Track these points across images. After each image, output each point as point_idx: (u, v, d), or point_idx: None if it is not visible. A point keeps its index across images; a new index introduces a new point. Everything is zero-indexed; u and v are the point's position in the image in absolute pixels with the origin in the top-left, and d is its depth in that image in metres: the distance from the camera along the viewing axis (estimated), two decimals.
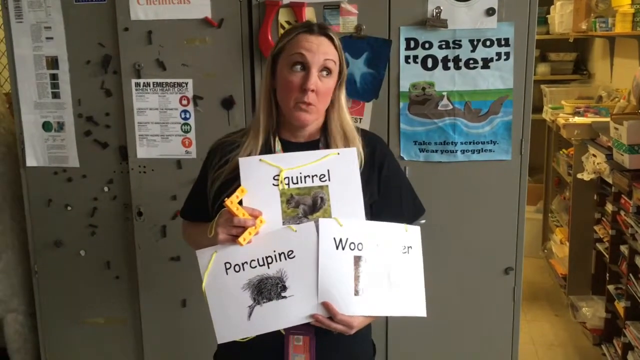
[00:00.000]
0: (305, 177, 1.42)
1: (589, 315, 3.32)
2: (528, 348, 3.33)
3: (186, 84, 2.34)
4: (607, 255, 3.16)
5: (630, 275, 2.79)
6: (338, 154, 1.45)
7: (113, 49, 2.36)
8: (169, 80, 2.35)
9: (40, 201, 2.53)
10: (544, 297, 3.97)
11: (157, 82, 2.36)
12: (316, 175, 1.43)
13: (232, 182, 1.44)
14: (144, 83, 2.36)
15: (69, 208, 2.51)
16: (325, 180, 1.43)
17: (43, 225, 2.55)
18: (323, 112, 1.50)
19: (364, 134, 1.57)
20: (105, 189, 2.48)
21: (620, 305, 2.92)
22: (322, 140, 1.52)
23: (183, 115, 2.37)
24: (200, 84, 2.34)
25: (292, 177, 1.42)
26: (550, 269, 4.25)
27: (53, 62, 2.41)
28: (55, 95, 2.43)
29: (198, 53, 2.32)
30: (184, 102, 2.36)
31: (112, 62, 2.37)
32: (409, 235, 1.47)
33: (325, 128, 1.52)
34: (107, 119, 2.43)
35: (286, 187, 1.42)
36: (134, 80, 2.36)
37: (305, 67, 1.44)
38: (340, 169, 1.43)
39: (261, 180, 1.42)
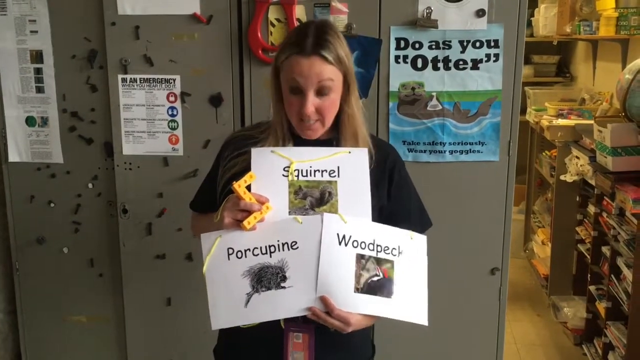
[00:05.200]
0: (315, 171, 1.43)
1: (570, 316, 3.36)
2: (510, 347, 3.36)
3: (174, 80, 2.32)
4: (588, 256, 3.20)
5: (612, 276, 2.83)
6: (349, 152, 1.46)
7: (99, 43, 2.32)
8: (156, 76, 2.32)
9: (23, 197, 2.48)
10: (525, 297, 4.01)
11: (144, 78, 2.33)
12: (326, 170, 1.43)
13: (243, 174, 1.42)
14: (130, 79, 2.33)
15: (52, 205, 2.47)
16: (335, 176, 1.43)
17: (25, 222, 2.50)
18: (331, 121, 1.48)
19: (377, 141, 1.57)
20: (90, 185, 2.44)
21: (601, 306, 2.96)
22: (335, 141, 1.51)
23: (170, 112, 2.34)
24: (188, 81, 2.31)
25: (302, 170, 1.43)
26: (532, 270, 4.29)
27: (37, 56, 2.37)
28: (40, 90, 2.39)
29: (186, 49, 2.29)
30: (172, 98, 2.33)
31: (98, 57, 2.34)
32: (415, 243, 1.47)
33: (338, 128, 1.51)
34: (93, 115, 2.39)
35: (295, 178, 1.42)
36: (120, 76, 2.33)
37: (301, 92, 1.41)
38: (350, 167, 1.44)
39: (271, 170, 1.43)
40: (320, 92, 1.41)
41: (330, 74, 1.41)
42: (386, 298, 1.41)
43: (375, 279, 1.40)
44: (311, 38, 1.41)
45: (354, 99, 1.49)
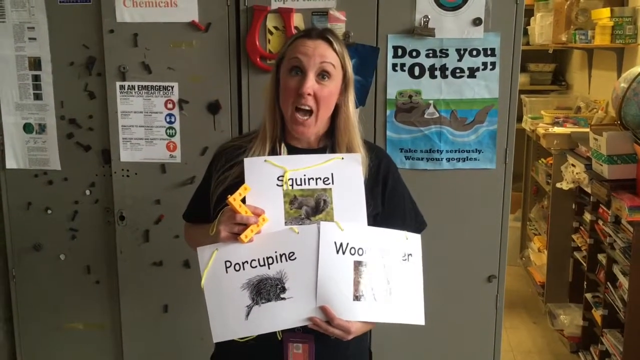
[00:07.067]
0: (309, 179, 1.43)
1: (567, 323, 3.36)
2: (507, 355, 3.35)
3: (172, 87, 2.32)
4: (584, 264, 3.21)
5: (608, 283, 2.83)
6: (342, 158, 1.46)
7: (98, 50, 2.33)
8: (154, 84, 2.33)
9: (20, 204, 2.48)
10: (522, 304, 4.01)
11: (142, 85, 2.33)
12: (320, 178, 1.43)
13: (237, 186, 1.43)
14: (128, 86, 2.33)
15: (49, 211, 2.47)
16: (329, 184, 1.43)
17: (22, 229, 2.50)
18: (324, 119, 1.49)
19: (370, 147, 1.57)
20: (87, 192, 2.44)
21: (598, 313, 2.96)
22: (329, 148, 1.52)
23: (168, 119, 2.35)
24: (186, 88, 2.32)
25: (296, 179, 1.43)
26: (528, 277, 4.29)
27: (36, 63, 2.37)
28: (38, 97, 2.40)
29: (184, 57, 2.30)
30: (169, 105, 2.34)
31: (96, 64, 2.34)
32: (410, 243, 1.47)
33: (332, 135, 1.52)
34: (91, 122, 2.39)
35: (290, 188, 1.42)
36: (118, 83, 2.33)
37: (302, 71, 1.44)
38: (344, 173, 1.44)
39: (265, 180, 1.42)
40: (321, 76, 1.44)
41: (333, 59, 1.46)
42: (385, 303, 1.41)
43: (374, 285, 1.40)
44: (318, 29, 1.50)
45: (351, 102, 1.51)
